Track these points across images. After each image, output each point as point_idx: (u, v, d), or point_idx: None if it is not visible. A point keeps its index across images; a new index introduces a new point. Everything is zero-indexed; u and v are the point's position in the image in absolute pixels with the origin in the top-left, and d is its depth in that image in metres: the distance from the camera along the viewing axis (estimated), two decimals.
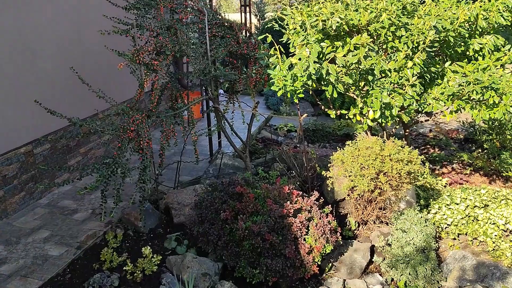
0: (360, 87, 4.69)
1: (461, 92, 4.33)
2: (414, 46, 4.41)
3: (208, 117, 6.77)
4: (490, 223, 4.74)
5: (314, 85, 4.54)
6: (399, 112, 4.60)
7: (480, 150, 7.06)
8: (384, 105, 4.34)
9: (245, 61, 5.87)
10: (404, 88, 4.39)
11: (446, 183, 6.01)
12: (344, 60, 4.09)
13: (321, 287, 4.16)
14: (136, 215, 4.94)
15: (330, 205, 4.48)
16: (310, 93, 5.24)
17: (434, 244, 4.49)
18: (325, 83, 4.50)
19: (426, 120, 5.75)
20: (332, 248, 4.08)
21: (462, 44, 4.83)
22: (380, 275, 4.35)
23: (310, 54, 4.07)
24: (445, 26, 4.46)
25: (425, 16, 4.61)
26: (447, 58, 5.04)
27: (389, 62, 4.39)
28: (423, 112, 5.21)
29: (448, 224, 4.93)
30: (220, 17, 5.67)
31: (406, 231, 4.45)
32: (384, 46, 4.68)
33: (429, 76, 4.75)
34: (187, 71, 6.10)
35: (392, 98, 4.30)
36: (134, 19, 4.98)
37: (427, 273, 4.06)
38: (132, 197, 4.82)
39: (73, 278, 4.19)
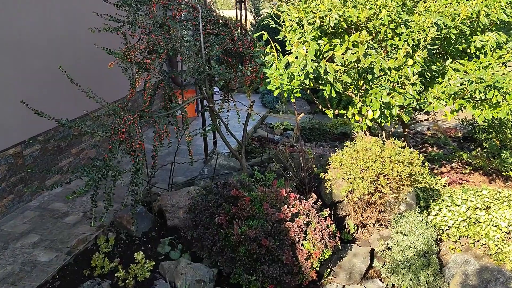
0: (359, 86, 4.56)
1: (463, 91, 4.20)
2: (414, 43, 4.28)
3: (203, 116, 6.62)
4: (492, 226, 4.63)
5: (312, 84, 4.40)
6: (399, 112, 4.46)
7: (479, 149, 6.95)
8: (383, 105, 4.21)
9: (241, 59, 5.72)
10: (403, 87, 4.26)
11: (445, 183, 5.90)
12: (343, 58, 3.95)
13: None
14: (128, 219, 4.79)
15: (328, 208, 4.35)
16: (307, 92, 5.10)
17: (435, 247, 4.37)
18: (323, 82, 4.36)
19: (426, 120, 5.62)
20: (331, 253, 3.95)
21: (463, 41, 4.70)
22: (381, 280, 4.23)
23: (307, 52, 3.93)
24: (447, 23, 4.33)
25: (425, 13, 4.47)
26: (447, 55, 4.91)
27: (388, 60, 4.25)
28: (423, 112, 5.10)
29: (449, 226, 4.81)
30: (214, 14, 5.51)
31: (406, 235, 4.33)
32: (384, 44, 4.53)
33: (429, 75, 4.62)
34: (181, 69, 5.95)
35: (392, 98, 4.17)
36: (125, 16, 4.81)
37: (429, 279, 3.94)
38: (124, 199, 4.67)
39: (63, 285, 4.04)
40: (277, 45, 4.20)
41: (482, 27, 4.64)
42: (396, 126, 5.53)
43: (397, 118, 5.06)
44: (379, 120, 4.40)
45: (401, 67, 4.25)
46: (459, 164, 6.77)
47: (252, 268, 3.79)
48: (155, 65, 4.69)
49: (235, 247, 3.84)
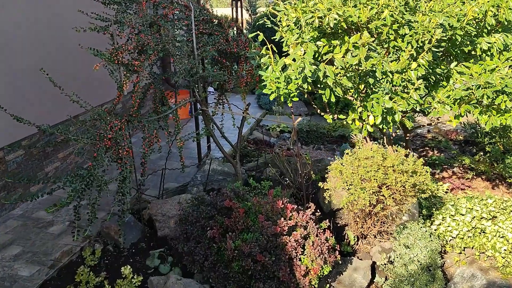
0: (360, 90, 4.32)
1: (469, 96, 3.96)
2: (418, 45, 4.04)
3: (196, 120, 6.36)
4: (498, 237, 4.41)
5: (310, 88, 4.16)
6: (402, 118, 4.23)
7: (482, 153, 6.74)
8: (386, 110, 3.98)
9: (236, 60, 5.46)
10: (406, 90, 4.03)
11: (447, 189, 5.68)
12: (343, 61, 3.71)
13: None
14: (116, 229, 4.54)
15: (327, 220, 4.10)
16: (306, 96, 4.86)
17: (440, 260, 4.15)
18: (321, 86, 4.11)
19: (428, 124, 5.38)
20: (330, 269, 3.71)
21: (468, 43, 4.46)
22: None
23: (305, 54, 3.68)
24: (452, 24, 4.09)
25: (430, 13, 4.24)
26: (452, 58, 4.68)
27: (390, 62, 4.01)
28: (426, 115, 4.87)
29: (453, 237, 4.59)
30: (207, 12, 5.25)
31: (409, 247, 4.10)
32: (386, 46, 4.29)
33: (434, 78, 4.39)
34: (174, 70, 5.69)
35: (395, 102, 3.93)
36: (113, 15, 4.54)
37: None
38: (111, 208, 4.41)
39: None
40: (273, 46, 3.95)
41: (489, 28, 4.41)
42: (398, 131, 5.29)
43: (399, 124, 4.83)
44: (380, 126, 4.17)
45: (404, 70, 4.01)
46: (461, 168, 6.56)
47: (247, 285, 3.56)
48: (144, 67, 4.42)
49: (228, 262, 3.60)
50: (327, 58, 3.75)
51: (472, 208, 4.71)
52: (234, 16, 11.12)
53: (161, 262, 4.26)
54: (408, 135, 5.47)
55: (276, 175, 5.76)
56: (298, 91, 4.06)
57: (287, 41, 4.16)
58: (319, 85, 4.18)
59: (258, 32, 4.19)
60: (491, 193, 5.76)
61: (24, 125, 3.89)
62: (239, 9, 11.31)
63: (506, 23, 4.39)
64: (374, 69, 3.86)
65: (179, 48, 4.70)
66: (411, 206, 4.59)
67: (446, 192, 5.56)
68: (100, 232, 4.70)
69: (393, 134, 5.36)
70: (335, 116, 4.81)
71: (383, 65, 3.81)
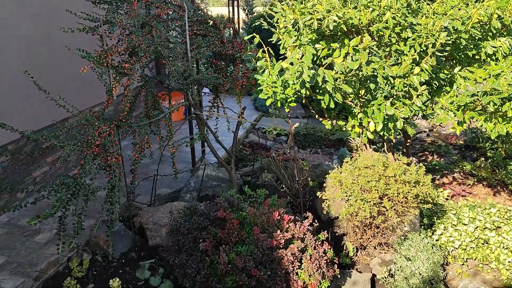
0: (360, 95, 4.14)
1: (475, 102, 3.80)
2: (422, 49, 3.87)
3: (190, 124, 6.16)
4: (502, 248, 4.25)
5: (308, 93, 3.98)
6: (404, 125, 4.05)
7: (483, 159, 6.58)
8: (387, 117, 3.80)
9: (232, 61, 5.28)
10: (407, 95, 3.86)
11: (448, 195, 5.53)
12: (343, 65, 3.53)
13: None
14: (105, 239, 4.35)
15: (325, 231, 3.93)
16: (304, 102, 4.67)
17: (442, 272, 3.99)
18: (320, 91, 3.93)
19: (430, 130, 5.22)
20: (329, 284, 3.54)
21: (473, 47, 4.30)
22: None
23: (303, 57, 3.50)
24: (457, 27, 3.92)
25: (433, 15, 4.07)
26: (455, 62, 4.52)
27: (392, 66, 3.83)
28: (426, 118, 4.71)
29: (455, 247, 4.43)
30: (202, 13, 5.06)
31: (411, 259, 3.93)
32: (387, 49, 4.12)
33: (437, 83, 4.22)
34: (169, 72, 5.49)
35: (397, 109, 3.76)
36: (103, 15, 4.34)
37: None
38: (100, 215, 4.21)
39: None
40: (270, 48, 3.77)
41: (494, 31, 4.24)
42: (398, 137, 5.12)
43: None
44: (382, 133, 3.99)
45: (407, 74, 3.84)
46: (462, 174, 6.40)
47: None
48: (135, 69, 4.23)
49: (222, 277, 3.42)
50: (326, 63, 3.57)
51: (475, 218, 4.55)
52: (231, 15, 10.93)
53: (151, 274, 4.08)
54: (408, 141, 5.30)
55: (272, 181, 5.58)
56: (295, 96, 3.88)
57: (284, 44, 3.99)
58: (318, 90, 4.00)
59: (254, 34, 4.00)
60: (493, 200, 5.61)
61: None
62: (235, 8, 11.11)
63: (511, 26, 4.23)
64: (375, 74, 3.69)
65: (172, 50, 4.51)
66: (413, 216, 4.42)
67: (447, 199, 5.40)
68: (89, 241, 4.51)
69: (394, 140, 5.19)
70: (334, 121, 4.64)
71: (384, 70, 3.64)
